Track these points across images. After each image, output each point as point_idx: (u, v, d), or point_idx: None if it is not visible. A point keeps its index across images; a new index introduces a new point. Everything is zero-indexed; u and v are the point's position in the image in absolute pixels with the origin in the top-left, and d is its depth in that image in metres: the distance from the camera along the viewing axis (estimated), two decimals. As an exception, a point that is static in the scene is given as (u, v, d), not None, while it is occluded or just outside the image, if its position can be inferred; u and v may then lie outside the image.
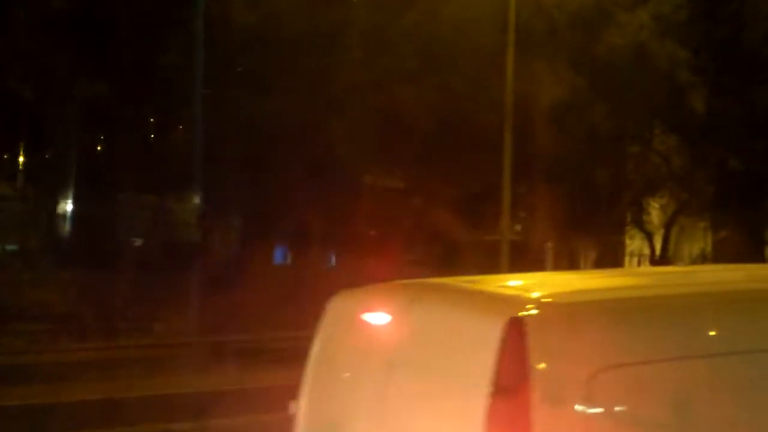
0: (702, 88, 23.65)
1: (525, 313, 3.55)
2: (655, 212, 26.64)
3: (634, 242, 29.49)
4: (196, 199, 22.64)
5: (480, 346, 3.54)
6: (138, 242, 25.48)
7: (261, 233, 22.55)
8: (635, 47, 20.90)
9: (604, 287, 4.29)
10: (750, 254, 28.36)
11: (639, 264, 28.34)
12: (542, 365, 3.39)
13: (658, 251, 31.30)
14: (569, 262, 26.57)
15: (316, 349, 4.33)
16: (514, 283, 4.42)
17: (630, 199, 24.03)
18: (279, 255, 25.66)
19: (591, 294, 3.97)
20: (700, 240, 32.48)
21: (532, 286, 4.12)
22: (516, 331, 3.45)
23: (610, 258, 27.53)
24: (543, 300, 3.74)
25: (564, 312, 3.65)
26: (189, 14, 19.64)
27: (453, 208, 23.71)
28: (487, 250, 23.93)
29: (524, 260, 26.52)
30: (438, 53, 20.40)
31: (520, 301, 3.71)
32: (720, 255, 30.47)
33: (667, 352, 3.56)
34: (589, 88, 21.23)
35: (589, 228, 25.28)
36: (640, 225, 26.42)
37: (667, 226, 26.13)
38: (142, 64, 21.28)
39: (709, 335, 3.76)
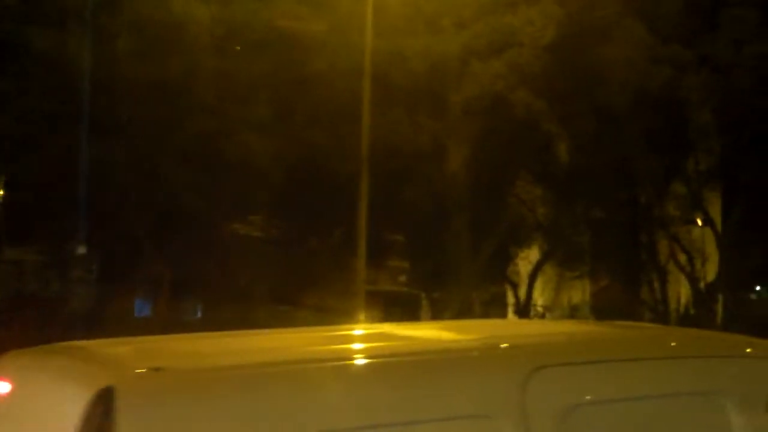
0: (565, 138, 23.97)
1: (114, 384, 3.03)
2: (522, 263, 26.80)
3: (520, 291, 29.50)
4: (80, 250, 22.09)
5: (63, 422, 3.04)
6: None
7: (118, 284, 22.10)
8: (491, 97, 21.07)
9: (231, 352, 3.75)
10: (628, 303, 28.76)
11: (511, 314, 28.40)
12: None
13: (542, 300, 31.65)
14: (452, 313, 26.54)
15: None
16: (124, 347, 3.86)
17: (493, 248, 24.06)
18: (141, 307, 25.16)
19: (206, 361, 3.46)
20: (579, 289, 32.87)
21: (140, 351, 3.65)
22: (101, 406, 2.98)
23: (497, 309, 27.60)
24: (140, 368, 3.21)
25: (165, 383, 3.13)
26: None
27: (321, 257, 23.63)
28: (371, 300, 23.87)
29: (404, 311, 26.53)
30: (293, 101, 20.34)
31: (112, 371, 3.21)
32: (599, 304, 30.84)
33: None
34: (447, 137, 21.34)
35: (461, 278, 25.29)
36: (504, 275, 26.56)
37: (532, 277, 26.25)
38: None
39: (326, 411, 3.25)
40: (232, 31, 19.99)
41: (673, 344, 4.30)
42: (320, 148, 20.37)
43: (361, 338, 4.36)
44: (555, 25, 21.40)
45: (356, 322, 19.77)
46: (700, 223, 26.73)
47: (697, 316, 25.53)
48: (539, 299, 30.65)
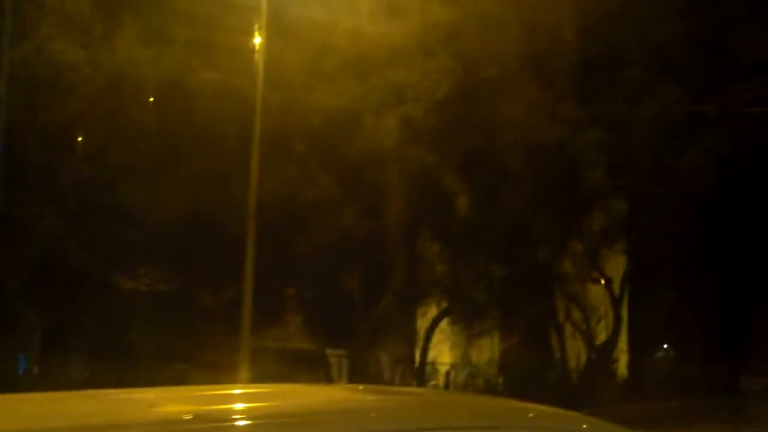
0: (463, 194, 23.80)
1: None
2: (423, 320, 26.41)
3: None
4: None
5: None
6: None
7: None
8: (384, 151, 20.78)
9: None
10: (536, 361, 28.47)
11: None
12: None
13: (449, 359, 31.21)
14: (362, 374, 26.00)
15: None
16: None
17: (390, 305, 23.65)
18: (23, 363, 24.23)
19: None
20: (488, 348, 32.50)
21: None
22: None
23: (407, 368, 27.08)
24: None
25: None
26: None
27: (212, 312, 22.99)
28: (270, 357, 23.30)
29: (308, 369, 25.91)
30: (180, 152, 19.83)
31: None
32: (508, 363, 30.50)
33: None
34: (340, 190, 20.96)
35: (359, 335, 24.84)
36: (401, 332, 26.11)
37: (427, 335, 25.81)
38: None
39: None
40: (118, 78, 19.44)
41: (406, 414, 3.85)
42: (209, 201, 19.84)
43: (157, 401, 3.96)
44: (450, 80, 21.23)
45: (237, 381, 19.21)
46: (603, 281, 26.62)
47: (591, 377, 25.31)
48: (447, 357, 30.21)
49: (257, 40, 19.65)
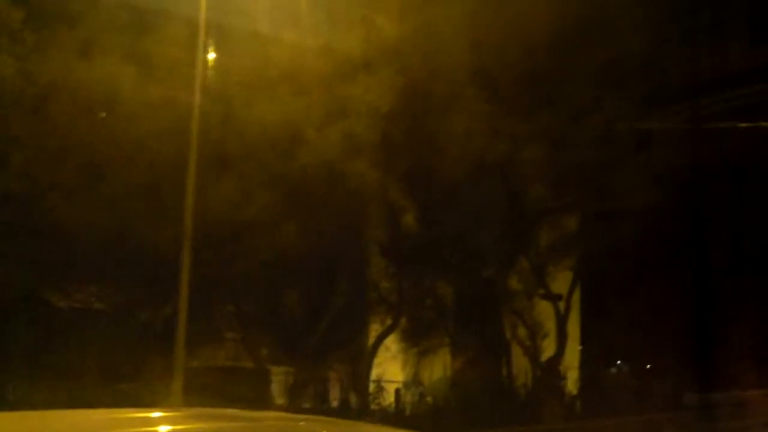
0: (407, 210, 23.48)
1: None
2: (369, 338, 25.98)
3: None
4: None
5: None
6: None
7: None
8: (326, 166, 20.35)
9: None
10: (489, 379, 28.16)
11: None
12: None
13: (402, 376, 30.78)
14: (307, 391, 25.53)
15: None
16: None
17: (334, 321, 23.22)
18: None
19: None
20: (441, 365, 32.15)
21: None
22: None
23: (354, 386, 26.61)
24: None
25: None
26: None
27: (151, 330, 22.44)
28: (207, 376, 22.82)
29: (250, 388, 25.35)
30: (112, 167, 19.31)
31: None
32: (461, 380, 30.14)
33: None
34: (280, 207, 20.48)
35: (301, 352, 24.37)
36: (347, 349, 25.71)
37: (371, 353, 25.44)
38: None
39: None
40: (48, 90, 18.90)
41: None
42: (144, 217, 19.32)
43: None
44: (394, 95, 20.86)
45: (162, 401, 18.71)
46: (549, 298, 26.36)
47: (537, 394, 25.06)
48: (398, 375, 29.81)
49: (197, 53, 19.20)
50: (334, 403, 26.12)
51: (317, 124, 20.50)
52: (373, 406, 25.66)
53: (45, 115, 19.10)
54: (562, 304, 25.48)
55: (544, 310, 25.93)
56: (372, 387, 26.30)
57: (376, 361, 26.95)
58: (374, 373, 27.46)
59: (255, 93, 20.33)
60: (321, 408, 24.43)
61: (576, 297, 27.04)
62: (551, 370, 25.40)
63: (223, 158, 19.93)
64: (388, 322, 25.62)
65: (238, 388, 23.93)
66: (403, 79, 21.02)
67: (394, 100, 20.81)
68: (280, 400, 25.17)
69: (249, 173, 20.21)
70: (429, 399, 28.53)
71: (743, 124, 24.16)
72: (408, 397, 28.55)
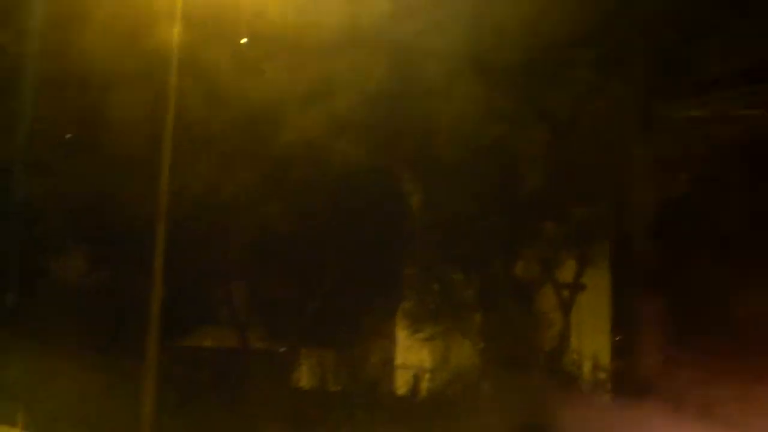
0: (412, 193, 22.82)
1: None
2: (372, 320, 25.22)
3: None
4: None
5: None
6: None
7: None
8: (309, 146, 19.61)
9: None
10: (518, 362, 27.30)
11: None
12: None
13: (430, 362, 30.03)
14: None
15: None
16: None
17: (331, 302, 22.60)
18: None
19: None
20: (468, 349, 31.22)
21: None
22: None
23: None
24: None
25: None
26: None
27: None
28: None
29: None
30: (87, 142, 18.86)
31: None
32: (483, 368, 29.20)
33: None
34: (262, 186, 19.83)
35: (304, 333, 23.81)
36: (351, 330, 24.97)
37: (376, 333, 24.75)
38: None
39: None
40: (23, 61, 18.50)
41: None
42: (117, 196, 18.84)
43: None
44: (385, 72, 19.96)
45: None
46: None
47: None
48: (426, 360, 29.00)
49: (174, 24, 18.52)
50: (353, 386, 25.41)
51: (300, 102, 19.72)
52: (400, 392, 25.04)
53: (21, 89, 18.72)
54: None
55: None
56: (397, 372, 25.71)
57: (402, 344, 26.30)
58: (400, 357, 26.81)
59: (236, 68, 19.65)
60: (347, 390, 23.86)
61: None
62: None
63: (201, 136, 19.31)
64: (411, 305, 24.98)
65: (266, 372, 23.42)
66: (395, 57, 20.09)
67: (383, 78, 19.90)
68: (304, 383, 24.70)
69: (227, 152, 19.57)
70: (457, 384, 27.75)
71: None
72: (432, 383, 27.82)
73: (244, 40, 19.55)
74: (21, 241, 19.17)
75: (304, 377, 24.75)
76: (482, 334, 26.38)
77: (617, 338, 27.86)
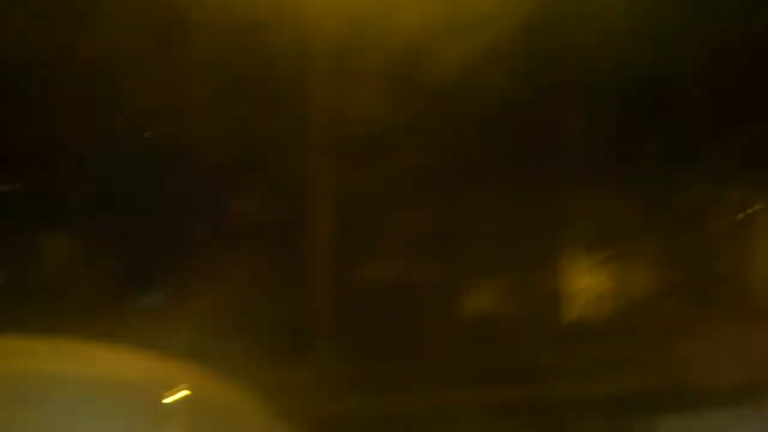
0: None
1: None
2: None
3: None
4: None
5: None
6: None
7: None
8: (464, 75, 19.43)
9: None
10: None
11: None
12: None
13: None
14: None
15: None
16: None
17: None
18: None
19: None
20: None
21: None
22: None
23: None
24: None
25: None
26: None
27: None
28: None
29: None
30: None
31: None
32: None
33: None
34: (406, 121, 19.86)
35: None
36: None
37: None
38: None
39: None
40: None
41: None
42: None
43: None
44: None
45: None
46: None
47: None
48: (595, 287, 28.51)
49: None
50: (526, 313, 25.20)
51: (452, 32, 19.46)
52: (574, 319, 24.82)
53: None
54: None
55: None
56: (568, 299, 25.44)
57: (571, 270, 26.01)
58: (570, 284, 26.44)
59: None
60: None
61: None
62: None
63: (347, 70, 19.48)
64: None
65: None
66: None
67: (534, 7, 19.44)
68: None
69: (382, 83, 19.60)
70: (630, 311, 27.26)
71: None
72: (602, 309, 27.37)
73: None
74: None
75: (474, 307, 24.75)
76: (653, 261, 25.81)
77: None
